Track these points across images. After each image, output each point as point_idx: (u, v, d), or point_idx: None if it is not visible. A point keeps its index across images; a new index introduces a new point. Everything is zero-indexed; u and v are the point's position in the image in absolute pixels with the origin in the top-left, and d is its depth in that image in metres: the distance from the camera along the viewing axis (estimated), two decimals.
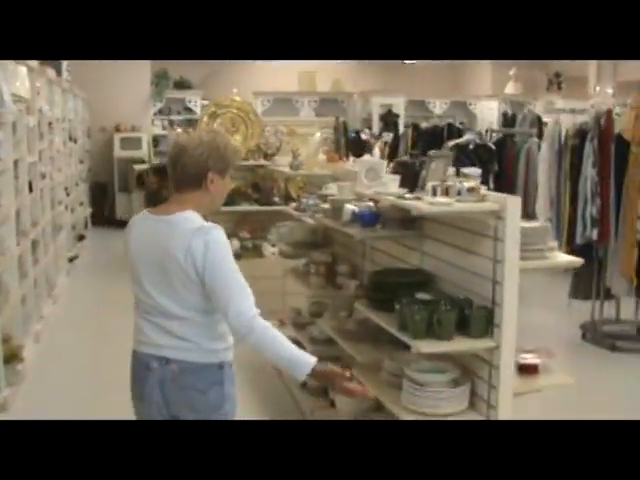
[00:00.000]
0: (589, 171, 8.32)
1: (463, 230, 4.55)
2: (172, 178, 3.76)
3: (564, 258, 4.58)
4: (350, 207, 5.23)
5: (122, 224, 17.22)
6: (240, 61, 18.31)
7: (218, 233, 3.50)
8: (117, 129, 17.57)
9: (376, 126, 16.33)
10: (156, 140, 17.78)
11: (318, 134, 7.40)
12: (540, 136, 10.92)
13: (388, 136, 11.78)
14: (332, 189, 6.22)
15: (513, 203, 4.17)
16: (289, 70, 18.05)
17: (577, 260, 4.57)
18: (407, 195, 4.56)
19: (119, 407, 6.82)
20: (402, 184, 4.83)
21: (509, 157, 10.48)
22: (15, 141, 7.88)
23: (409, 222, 5.10)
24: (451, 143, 10.02)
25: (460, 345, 4.33)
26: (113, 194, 17.51)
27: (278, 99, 17.33)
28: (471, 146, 10.21)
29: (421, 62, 19.07)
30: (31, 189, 8.73)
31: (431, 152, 4.91)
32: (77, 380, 7.54)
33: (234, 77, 18.54)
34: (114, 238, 15.87)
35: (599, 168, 8.35)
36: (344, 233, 5.60)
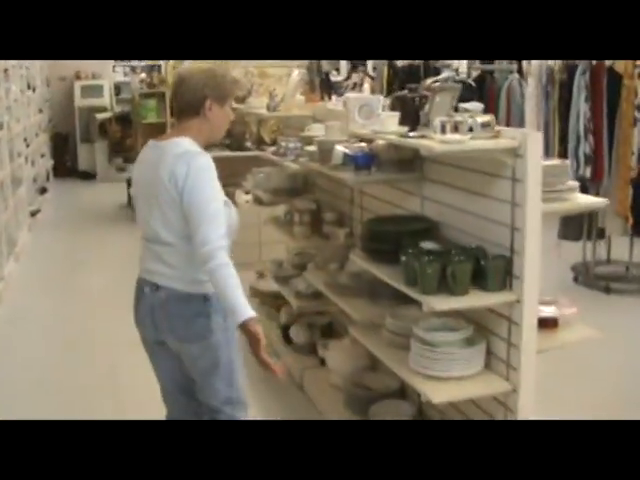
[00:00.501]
0: (582, 107, 7.86)
1: (472, 171, 4.07)
2: (174, 108, 3.80)
3: (586, 199, 4.11)
4: (341, 149, 4.72)
5: (85, 175, 16.76)
6: None
7: (203, 159, 3.58)
8: (77, 77, 16.90)
9: (344, 67, 15.74)
10: (118, 88, 17.15)
11: (296, 72, 6.84)
12: (520, 71, 10.41)
13: (358, 77, 11.22)
14: (316, 130, 5.70)
15: (534, 139, 3.67)
16: None
17: (600, 201, 4.11)
18: (411, 134, 4.05)
19: (85, 369, 6.50)
20: (401, 122, 4.32)
21: (490, 94, 9.96)
22: None
23: (407, 164, 4.62)
24: (429, 81, 9.45)
25: (477, 300, 3.84)
26: (75, 145, 16.90)
27: None
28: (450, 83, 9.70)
29: None
30: None
31: (435, 84, 4.39)
32: (42, 342, 7.06)
33: None
34: (78, 190, 15.36)
35: (591, 103, 7.89)
36: (332, 178, 5.13)
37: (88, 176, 16.30)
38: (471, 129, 3.76)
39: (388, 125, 4.23)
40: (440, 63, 11.22)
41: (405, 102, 4.38)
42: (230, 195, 8.95)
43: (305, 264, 6.24)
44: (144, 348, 3.91)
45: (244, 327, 3.42)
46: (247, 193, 8.95)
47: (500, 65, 10.78)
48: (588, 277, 8.54)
